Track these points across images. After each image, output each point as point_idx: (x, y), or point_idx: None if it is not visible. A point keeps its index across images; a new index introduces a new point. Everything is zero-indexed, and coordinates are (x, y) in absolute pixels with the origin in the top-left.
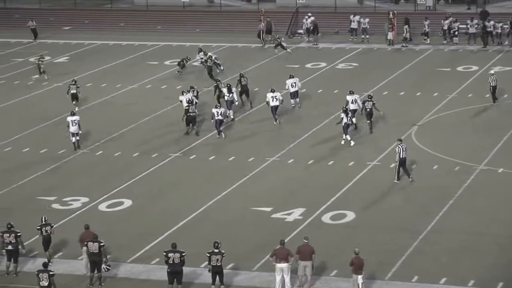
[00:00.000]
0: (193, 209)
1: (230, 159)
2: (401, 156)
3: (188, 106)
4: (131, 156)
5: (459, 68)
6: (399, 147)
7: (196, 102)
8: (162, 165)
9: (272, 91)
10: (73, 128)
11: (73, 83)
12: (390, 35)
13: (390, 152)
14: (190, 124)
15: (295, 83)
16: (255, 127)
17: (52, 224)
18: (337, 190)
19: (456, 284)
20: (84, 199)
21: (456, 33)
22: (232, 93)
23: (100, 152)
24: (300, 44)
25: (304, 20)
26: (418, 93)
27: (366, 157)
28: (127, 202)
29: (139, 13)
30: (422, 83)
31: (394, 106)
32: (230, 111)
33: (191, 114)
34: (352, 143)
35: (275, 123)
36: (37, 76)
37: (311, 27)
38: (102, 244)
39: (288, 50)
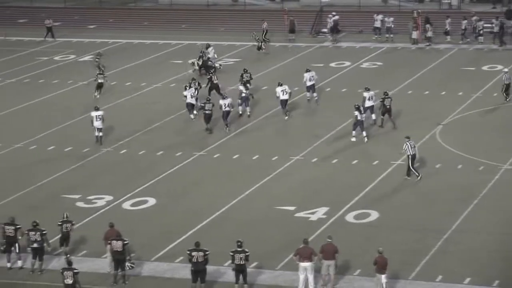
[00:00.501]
0: (217, 208)
1: (254, 157)
2: (410, 153)
3: (204, 104)
4: (155, 155)
5: (484, 68)
6: (406, 144)
7: (197, 97)
8: (186, 164)
9: (280, 84)
10: (97, 123)
11: (100, 72)
12: (414, 34)
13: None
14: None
15: (312, 77)
16: (279, 126)
17: (73, 222)
18: (361, 189)
19: (481, 284)
20: (108, 198)
21: (481, 32)
22: (248, 89)
23: (124, 150)
24: (324, 43)
25: (328, 19)
26: (443, 92)
27: (390, 156)
28: (151, 201)
29: (163, 12)
30: (447, 82)
31: (418, 105)
32: (247, 107)
33: (207, 112)
34: (354, 139)
35: (286, 117)
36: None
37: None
38: (126, 242)
39: (263, 50)
